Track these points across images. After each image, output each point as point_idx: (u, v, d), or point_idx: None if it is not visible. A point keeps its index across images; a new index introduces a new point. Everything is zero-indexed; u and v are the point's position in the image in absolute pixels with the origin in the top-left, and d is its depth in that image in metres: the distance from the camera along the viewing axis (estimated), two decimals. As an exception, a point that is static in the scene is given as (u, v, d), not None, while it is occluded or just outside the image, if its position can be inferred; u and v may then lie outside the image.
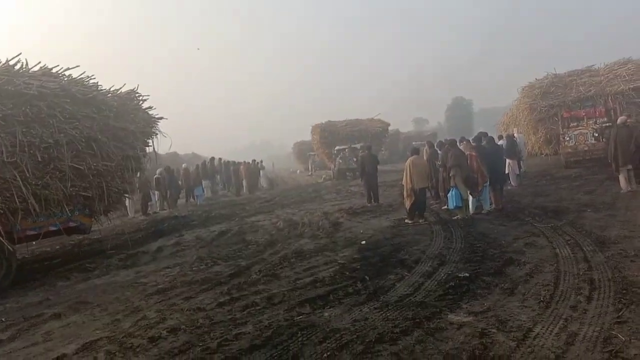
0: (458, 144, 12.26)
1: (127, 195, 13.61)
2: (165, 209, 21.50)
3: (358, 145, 30.79)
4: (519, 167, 16.97)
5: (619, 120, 13.16)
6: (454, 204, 11.24)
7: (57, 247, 13.51)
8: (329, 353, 4.56)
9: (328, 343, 4.81)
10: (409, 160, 11.97)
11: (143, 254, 11.12)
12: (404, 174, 11.83)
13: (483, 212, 11.69)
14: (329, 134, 38.63)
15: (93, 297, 7.77)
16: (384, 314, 5.50)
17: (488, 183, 11.74)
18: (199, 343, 5.19)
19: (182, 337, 5.45)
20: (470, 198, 11.53)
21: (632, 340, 4.14)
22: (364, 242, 9.67)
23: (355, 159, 28.16)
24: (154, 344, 5.33)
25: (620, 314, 4.73)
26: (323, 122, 40.50)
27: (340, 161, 29.80)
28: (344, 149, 30.90)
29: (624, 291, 5.31)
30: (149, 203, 20.62)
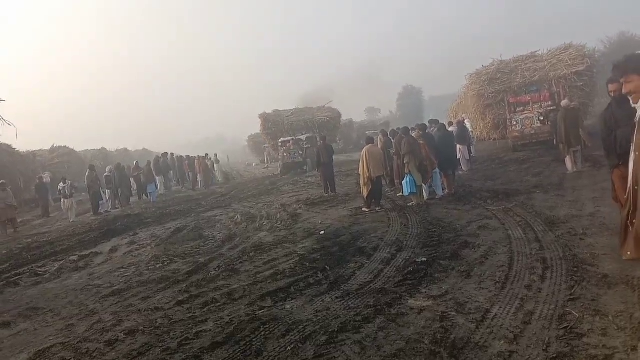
0: (411, 132, 12.44)
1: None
2: (117, 208, 20.91)
3: (303, 137, 29.78)
4: (469, 153, 17.38)
5: (563, 103, 13.66)
6: (409, 191, 11.39)
7: (4, 251, 12.92)
8: (292, 345, 4.54)
9: (291, 335, 4.78)
10: (364, 149, 12.05)
11: (96, 255, 10.79)
12: (360, 163, 11.91)
13: (436, 197, 11.91)
14: (273, 124, 36.24)
15: (45, 302, 7.47)
16: (345, 303, 5.52)
17: (438, 169, 11.98)
18: (159, 344, 5.07)
19: (141, 338, 5.31)
20: (438, 182, 11.75)
21: (585, 316, 4.29)
22: (322, 232, 9.69)
23: (300, 152, 27.30)
24: (111, 347, 5.17)
25: (572, 291, 4.90)
26: (269, 111, 37.91)
27: (285, 155, 27.95)
28: (288, 141, 29.16)
29: (575, 269, 5.50)
30: (99, 202, 19.99)
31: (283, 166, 27.76)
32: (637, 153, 2.73)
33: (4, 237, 16.38)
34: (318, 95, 52.89)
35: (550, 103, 20.01)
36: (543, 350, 3.83)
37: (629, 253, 2.90)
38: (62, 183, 19.80)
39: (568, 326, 4.16)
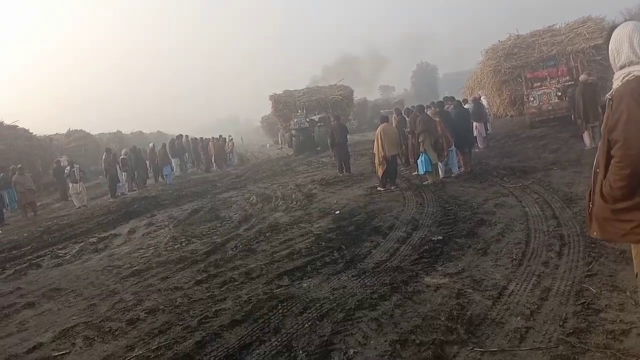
0: (426, 110, 12.34)
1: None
2: (134, 190, 21.14)
3: (316, 117, 29.17)
4: (486, 130, 17.21)
5: (581, 78, 13.42)
6: (424, 169, 11.35)
7: (25, 234, 13.19)
8: (310, 323, 4.60)
9: (309, 313, 4.84)
10: (379, 128, 11.99)
11: (115, 237, 10.96)
12: (375, 142, 11.86)
13: (452, 175, 11.85)
14: (284, 105, 34.69)
15: (67, 283, 7.64)
16: (361, 281, 5.57)
17: (454, 147, 11.90)
18: (179, 322, 5.17)
19: (161, 317, 5.41)
20: (454, 161, 11.69)
21: (602, 292, 4.28)
22: (338, 212, 9.72)
23: (307, 121, 27.13)
24: (132, 326, 5.29)
25: (590, 267, 4.88)
26: (279, 92, 36.22)
27: (293, 133, 27.42)
28: (301, 122, 28.20)
29: (593, 245, 5.46)
30: (117, 185, 20.22)
31: (296, 144, 27.46)
32: (605, 135, 2.74)
33: (24, 221, 16.70)
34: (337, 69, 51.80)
35: (567, 78, 19.67)
36: (560, 325, 3.84)
37: (594, 233, 2.93)
38: (69, 167, 19.18)
39: (585, 302, 4.16)
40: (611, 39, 2.79)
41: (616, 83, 2.71)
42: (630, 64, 2.65)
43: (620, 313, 3.87)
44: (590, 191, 2.92)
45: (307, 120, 28.11)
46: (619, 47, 2.72)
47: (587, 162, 10.74)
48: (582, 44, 21.45)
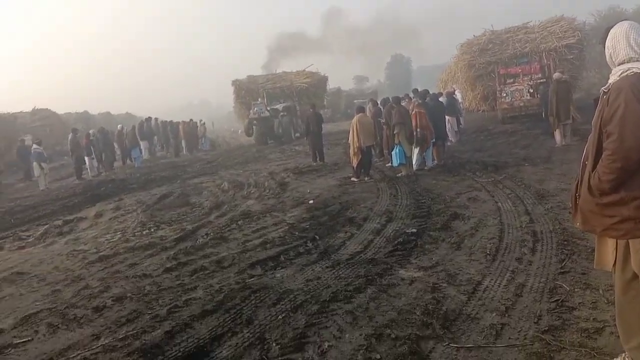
0: (401, 101, 12.32)
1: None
2: (101, 172, 20.61)
3: (280, 106, 27.41)
4: (458, 124, 17.33)
5: (555, 76, 13.60)
6: (398, 161, 11.35)
7: (-15, 215, 12.72)
8: (283, 314, 4.52)
9: (282, 304, 4.76)
10: (355, 118, 11.92)
11: (81, 220, 10.65)
12: (350, 132, 11.78)
13: (425, 168, 11.88)
14: (246, 92, 31.61)
15: (30, 267, 7.36)
16: (336, 273, 5.51)
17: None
18: (148, 311, 5.02)
19: (129, 305, 5.25)
20: (415, 154, 11.66)
21: (575, 290, 4.32)
22: (311, 201, 9.63)
23: (268, 109, 26.04)
24: (99, 313, 5.11)
25: (563, 264, 4.93)
26: (242, 78, 33.12)
27: (255, 123, 25.79)
28: (262, 110, 26.61)
29: (565, 242, 5.53)
30: (82, 166, 19.67)
31: (256, 134, 26.00)
32: (597, 128, 2.76)
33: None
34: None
35: (540, 75, 19.93)
36: (534, 322, 3.86)
37: (578, 224, 2.97)
38: (36, 145, 18.06)
39: (559, 299, 4.19)
40: (608, 38, 2.79)
41: (613, 78, 2.72)
42: (630, 60, 2.67)
43: (593, 311, 3.91)
44: (578, 182, 2.92)
45: (269, 109, 26.62)
46: (615, 44, 2.74)
47: (558, 159, 10.96)
48: (555, 43, 21.76)
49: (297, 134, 26.77)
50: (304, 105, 28.46)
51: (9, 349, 4.52)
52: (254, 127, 26.07)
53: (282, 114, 26.55)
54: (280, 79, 32.89)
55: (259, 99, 28.75)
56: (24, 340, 4.67)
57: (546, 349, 3.42)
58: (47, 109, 35.31)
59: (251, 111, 26.83)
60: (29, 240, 9.27)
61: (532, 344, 3.52)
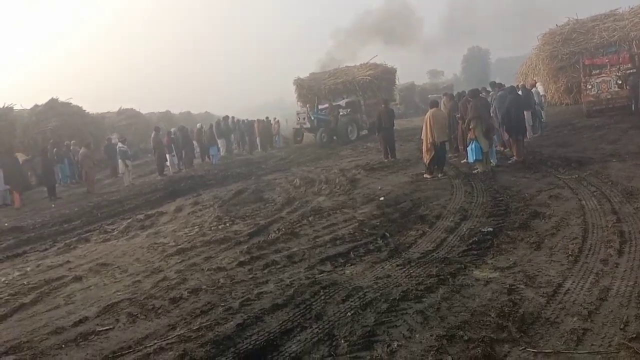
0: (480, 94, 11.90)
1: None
2: (181, 169, 21.48)
3: (343, 102, 26.02)
4: (536, 119, 16.50)
5: (646, 66, 12.62)
6: (474, 158, 10.96)
7: (76, 209, 13.60)
8: (352, 312, 4.49)
9: (351, 301, 4.73)
10: (428, 113, 11.63)
11: (161, 215, 11.13)
12: (424, 127, 11.51)
13: (493, 164, 11.37)
14: (308, 90, 30.65)
15: (113, 258, 7.80)
16: (406, 271, 5.40)
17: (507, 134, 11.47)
18: (221, 303, 5.16)
19: (204, 297, 5.42)
20: (493, 150, 11.22)
21: (668, 295, 3.99)
22: (382, 198, 9.53)
23: (312, 118, 24.20)
24: (175, 305, 5.32)
25: (654, 267, 4.57)
26: (303, 76, 32.10)
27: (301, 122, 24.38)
28: (325, 108, 25.40)
29: (657, 243, 5.13)
30: (164, 163, 20.60)
31: (294, 132, 25.14)
32: None
33: (75, 196, 17.24)
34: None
35: (629, 65, 18.58)
36: (620, 329, 3.61)
37: None
38: (120, 144, 19.25)
39: (650, 305, 3.88)
40: None
41: None
42: None
43: (689, 319, 3.58)
44: None
45: (313, 116, 24.57)
46: None
47: (649, 154, 10.16)
48: (648, 30, 20.28)
49: (364, 132, 25.46)
50: (369, 99, 27.54)
51: (93, 336, 4.79)
52: (302, 134, 24.91)
53: (342, 113, 24.87)
54: (342, 74, 31.51)
55: (300, 106, 27.60)
56: (106, 328, 4.94)
57: (633, 358, 3.18)
58: (132, 108, 37.35)
59: (295, 121, 25.88)
60: (114, 233, 9.80)
61: (617, 352, 3.30)
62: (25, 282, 7.00)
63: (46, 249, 9.13)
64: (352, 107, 25.61)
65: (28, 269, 7.85)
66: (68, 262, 7.94)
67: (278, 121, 30.51)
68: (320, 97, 29.00)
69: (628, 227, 5.88)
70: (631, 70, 17.92)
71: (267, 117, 29.62)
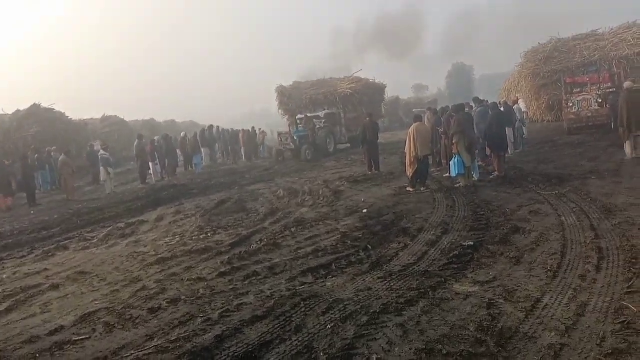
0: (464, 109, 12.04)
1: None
2: (164, 178, 21.32)
3: (321, 113, 25.64)
4: (522, 135, 16.73)
5: (626, 85, 12.88)
6: (457, 172, 11.06)
7: (56, 216, 13.40)
8: (333, 324, 4.47)
9: (332, 314, 4.72)
10: (412, 127, 11.73)
11: (143, 223, 11.02)
12: (408, 141, 11.59)
13: (475, 179, 11.49)
14: (289, 99, 30.42)
15: (92, 267, 7.69)
16: (387, 284, 5.41)
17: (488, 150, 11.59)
18: (200, 314, 5.11)
19: (183, 308, 5.36)
20: (475, 165, 11.34)
21: (644, 311, 4.04)
22: (365, 210, 9.55)
23: (295, 138, 23.45)
24: (153, 315, 5.25)
25: (630, 283, 4.62)
26: (287, 84, 31.80)
27: (281, 141, 24.07)
28: (302, 119, 25.19)
29: (634, 260, 5.19)
30: (147, 171, 20.44)
31: (276, 152, 24.57)
32: None
33: (55, 203, 17.00)
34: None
35: (609, 84, 19.01)
36: (597, 345, 3.64)
37: None
38: (103, 151, 18.86)
39: (625, 321, 3.94)
40: None
41: None
42: None
43: (664, 336, 3.63)
44: None
45: (296, 137, 23.82)
46: None
47: (627, 172, 10.36)
48: (627, 50, 20.82)
49: (343, 145, 25.23)
50: (349, 112, 27.36)
51: (68, 346, 4.71)
52: (284, 154, 24.45)
53: (318, 126, 24.56)
54: (325, 85, 31.27)
55: (282, 115, 27.63)
56: (82, 337, 4.85)
57: (610, 374, 3.21)
58: (115, 115, 37.05)
59: (278, 142, 25.61)
60: (93, 241, 9.67)
61: (594, 368, 3.31)
62: (0, 290, 6.86)
63: (24, 256, 8.98)
64: (331, 120, 25.36)
65: (4, 276, 7.71)
66: (46, 269, 7.81)
67: (264, 131, 30.51)
68: (301, 106, 28.94)
69: (606, 243, 5.95)
70: (611, 89, 18.33)
71: (252, 127, 29.63)
